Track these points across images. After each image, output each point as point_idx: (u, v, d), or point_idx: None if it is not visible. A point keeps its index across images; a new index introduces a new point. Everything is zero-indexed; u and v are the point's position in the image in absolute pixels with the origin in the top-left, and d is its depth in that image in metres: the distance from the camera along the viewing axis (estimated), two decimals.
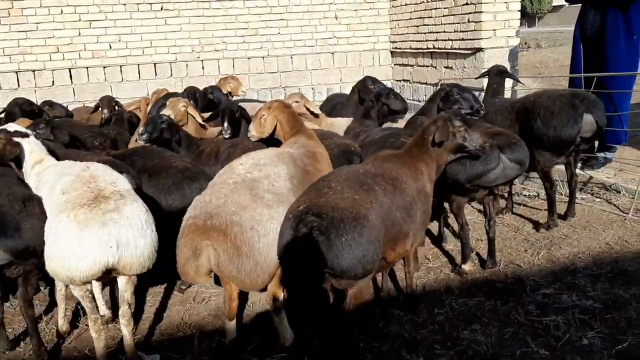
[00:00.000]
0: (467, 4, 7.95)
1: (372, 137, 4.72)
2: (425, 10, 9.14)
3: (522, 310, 3.83)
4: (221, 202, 3.22)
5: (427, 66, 9.39)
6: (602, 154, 6.30)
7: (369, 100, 5.28)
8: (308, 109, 5.93)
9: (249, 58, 9.93)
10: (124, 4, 9.22)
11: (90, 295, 3.22)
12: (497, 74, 5.73)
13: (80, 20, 9.04)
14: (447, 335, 3.62)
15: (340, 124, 5.57)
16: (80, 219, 2.98)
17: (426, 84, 9.41)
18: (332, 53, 10.36)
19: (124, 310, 3.27)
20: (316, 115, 5.99)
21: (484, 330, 3.62)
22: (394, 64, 10.62)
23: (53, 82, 9.06)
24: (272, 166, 3.52)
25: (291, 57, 10.14)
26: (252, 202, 3.25)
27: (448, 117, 3.68)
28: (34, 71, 8.95)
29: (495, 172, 4.03)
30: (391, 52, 10.60)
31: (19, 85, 8.88)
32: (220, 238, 3.08)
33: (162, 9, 9.42)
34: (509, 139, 4.12)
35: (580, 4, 6.41)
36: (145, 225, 3.14)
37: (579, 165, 6.36)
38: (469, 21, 7.96)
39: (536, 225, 5.27)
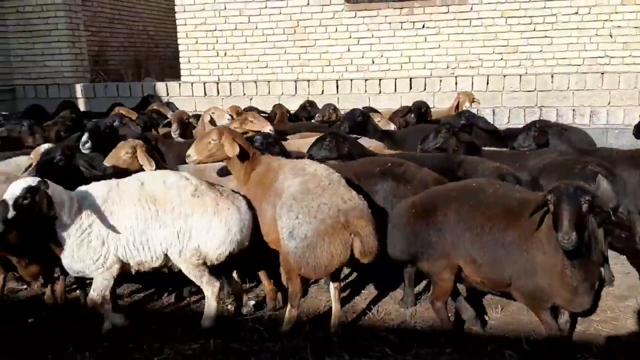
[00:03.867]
0: None
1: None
2: None
3: None
4: (336, 199, 3.71)
5: None
6: None
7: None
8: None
9: (504, 75, 9.69)
10: (389, 23, 10.04)
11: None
12: None
13: (350, 37, 10.20)
14: None
15: None
16: None
17: None
18: (602, 73, 9.35)
19: None
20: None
21: None
22: None
23: (322, 91, 10.38)
24: (327, 170, 4.04)
25: (552, 76, 9.51)
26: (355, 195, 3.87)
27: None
28: (308, 81, 10.42)
29: None
30: None
31: (296, 92, 10.46)
32: (363, 224, 3.60)
33: (423, 26, 9.94)
34: None
35: None
36: None
37: None
38: None
39: None
